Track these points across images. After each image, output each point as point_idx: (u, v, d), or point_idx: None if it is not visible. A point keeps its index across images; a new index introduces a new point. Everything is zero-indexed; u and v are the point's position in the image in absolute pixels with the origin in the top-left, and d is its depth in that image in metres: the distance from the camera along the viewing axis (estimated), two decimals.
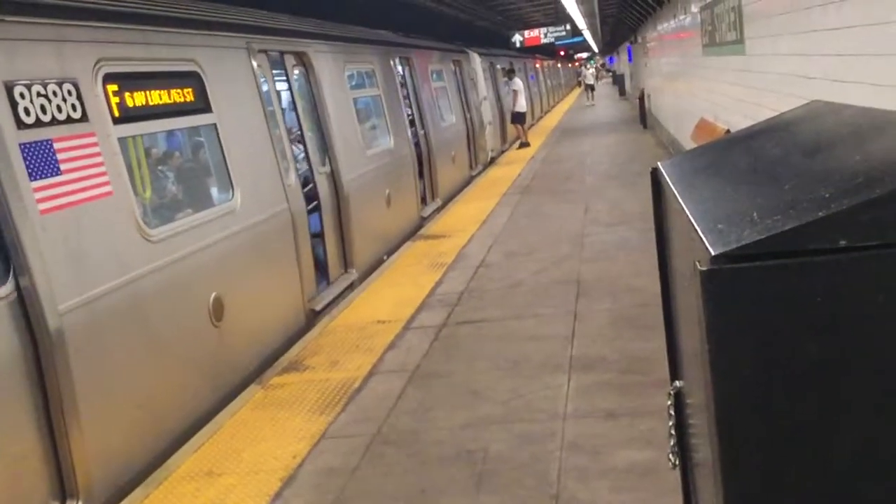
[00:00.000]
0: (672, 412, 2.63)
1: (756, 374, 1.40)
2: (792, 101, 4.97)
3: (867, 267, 1.35)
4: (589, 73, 39.21)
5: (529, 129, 22.95)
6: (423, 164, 12.34)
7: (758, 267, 1.37)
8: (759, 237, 1.38)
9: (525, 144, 19.91)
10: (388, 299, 7.31)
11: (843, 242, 1.34)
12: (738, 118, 7.56)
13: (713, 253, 1.42)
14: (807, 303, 1.36)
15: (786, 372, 1.38)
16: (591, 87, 38.57)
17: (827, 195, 1.42)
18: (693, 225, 1.67)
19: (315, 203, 8.52)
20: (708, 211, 1.75)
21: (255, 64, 6.77)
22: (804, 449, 1.40)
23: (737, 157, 2.25)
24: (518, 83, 20.23)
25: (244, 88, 6.56)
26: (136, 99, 5.14)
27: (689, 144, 10.11)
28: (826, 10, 4.54)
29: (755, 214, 1.51)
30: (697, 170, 2.33)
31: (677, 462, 2.74)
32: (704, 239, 1.51)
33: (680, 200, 1.96)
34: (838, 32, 4.38)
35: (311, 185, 9.15)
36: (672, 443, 2.68)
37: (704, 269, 1.41)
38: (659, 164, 2.58)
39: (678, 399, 2.63)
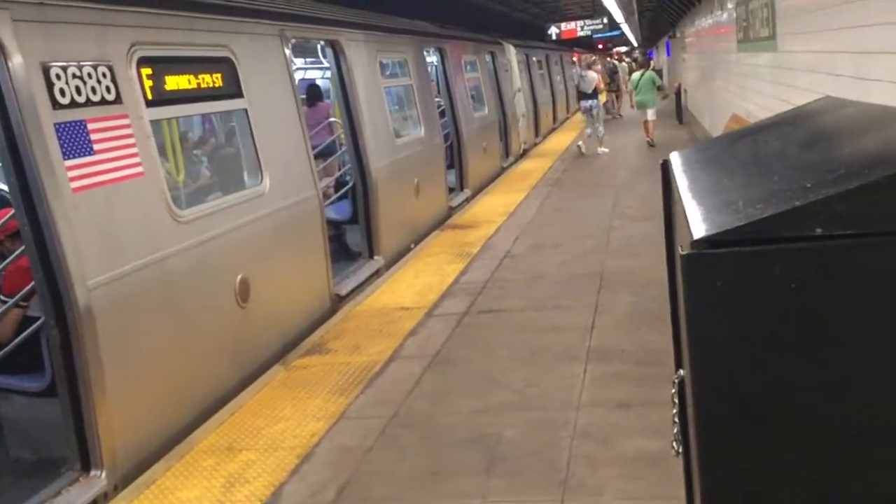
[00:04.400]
0: (675, 400, 2.68)
1: (732, 355, 1.45)
2: (819, 97, 4.95)
3: (842, 255, 1.39)
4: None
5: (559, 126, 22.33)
6: (454, 154, 12.40)
7: (736, 252, 1.42)
8: (738, 223, 1.44)
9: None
10: (413, 286, 7.39)
11: (818, 231, 1.38)
12: (768, 115, 7.52)
13: (695, 237, 1.47)
14: (782, 288, 1.41)
15: (760, 354, 1.43)
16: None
17: (808, 185, 1.47)
18: (685, 212, 1.73)
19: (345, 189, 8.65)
20: (702, 200, 1.80)
21: (287, 51, 6.87)
22: (777, 428, 1.45)
23: (741, 149, 2.29)
24: None
25: (276, 75, 6.66)
26: (169, 83, 5.27)
27: None
28: (853, 7, 4.53)
29: (741, 203, 1.56)
30: (703, 161, 2.38)
31: (680, 450, 2.79)
32: (690, 225, 1.56)
33: (679, 190, 2.01)
34: (864, 30, 4.37)
35: (341, 172, 9.29)
36: (675, 430, 2.73)
37: (685, 252, 1.47)
38: (670, 155, 2.63)
39: (681, 388, 2.68)
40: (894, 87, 3.82)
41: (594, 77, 17.22)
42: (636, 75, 18.06)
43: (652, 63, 23.22)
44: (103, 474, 4.17)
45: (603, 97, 21.45)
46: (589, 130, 16.55)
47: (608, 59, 29.22)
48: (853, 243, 1.37)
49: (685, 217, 1.71)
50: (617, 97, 26.38)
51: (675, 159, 2.56)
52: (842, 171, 1.47)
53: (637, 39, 42.19)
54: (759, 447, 1.46)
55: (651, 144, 16.44)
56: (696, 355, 1.48)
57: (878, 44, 4.11)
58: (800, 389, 1.42)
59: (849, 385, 1.40)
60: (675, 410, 2.69)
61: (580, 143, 16.31)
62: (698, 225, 1.54)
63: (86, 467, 4.16)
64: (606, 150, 16.08)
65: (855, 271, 1.39)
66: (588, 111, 16.66)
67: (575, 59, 33.34)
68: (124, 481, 4.26)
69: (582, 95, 16.96)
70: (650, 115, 16.86)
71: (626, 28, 32.35)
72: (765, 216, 1.42)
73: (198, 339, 5.11)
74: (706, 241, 1.46)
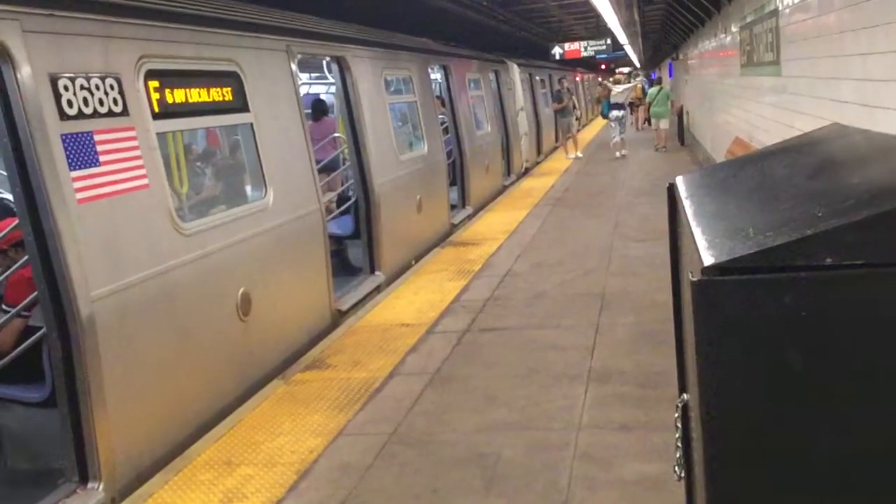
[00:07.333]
0: (679, 424, 2.67)
1: (741, 383, 1.45)
2: (823, 123, 4.98)
3: (851, 284, 1.40)
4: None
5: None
6: (456, 171, 12.43)
7: (746, 280, 1.43)
8: (749, 251, 1.44)
9: None
10: (414, 303, 7.39)
11: (828, 260, 1.39)
12: (770, 139, 7.55)
13: (705, 264, 1.47)
14: (792, 316, 1.41)
15: (769, 382, 1.43)
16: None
17: (819, 214, 1.48)
18: (693, 238, 1.73)
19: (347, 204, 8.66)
20: (710, 225, 1.80)
21: (293, 66, 6.91)
22: (784, 457, 1.45)
23: (748, 175, 2.30)
24: None
25: (282, 90, 6.69)
26: (176, 96, 5.28)
27: None
28: (857, 36, 4.56)
29: (751, 230, 1.57)
30: (710, 186, 2.39)
31: (682, 474, 2.78)
32: (700, 251, 1.57)
33: (687, 214, 2.02)
34: (869, 58, 4.39)
35: (344, 187, 9.31)
36: (678, 455, 2.72)
37: (696, 279, 1.47)
38: (676, 179, 2.64)
39: (685, 412, 2.67)
40: None
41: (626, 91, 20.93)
42: (653, 90, 21.32)
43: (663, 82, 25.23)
44: (101, 487, 4.15)
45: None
46: (618, 137, 19.08)
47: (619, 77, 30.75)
48: (863, 273, 1.38)
49: (694, 243, 1.71)
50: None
51: (681, 183, 2.57)
52: (851, 201, 1.48)
53: (640, 60, 42.38)
54: (767, 473, 1.46)
55: (664, 149, 19.23)
56: (705, 381, 1.49)
57: (883, 72, 4.14)
58: (808, 416, 1.42)
59: (858, 413, 1.40)
60: (677, 435, 2.69)
61: (622, 151, 18.79)
62: (708, 251, 1.55)
63: (83, 479, 4.14)
64: (626, 152, 18.90)
65: (864, 301, 1.39)
66: (617, 119, 19.41)
67: (578, 78, 33.47)
68: (122, 494, 4.25)
69: (614, 106, 20.13)
70: (663, 124, 19.82)
71: (629, 49, 32.50)
72: (775, 244, 1.43)
73: (198, 353, 5.10)
74: (716, 269, 1.47)
